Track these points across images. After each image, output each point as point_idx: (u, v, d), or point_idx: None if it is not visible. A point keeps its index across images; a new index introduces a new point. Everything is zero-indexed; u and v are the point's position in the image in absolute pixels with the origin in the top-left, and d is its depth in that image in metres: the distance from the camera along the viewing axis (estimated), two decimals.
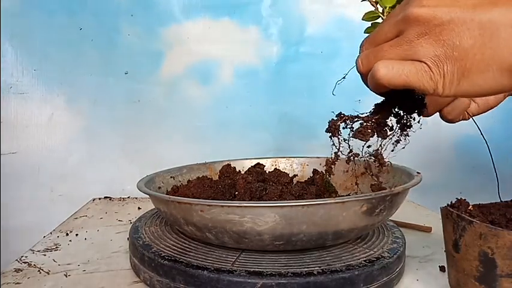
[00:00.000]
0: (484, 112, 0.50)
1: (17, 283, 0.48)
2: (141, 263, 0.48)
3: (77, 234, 0.66)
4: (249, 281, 0.40)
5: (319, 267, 0.42)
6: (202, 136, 0.97)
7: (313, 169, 0.63)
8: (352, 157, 0.41)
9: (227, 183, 0.59)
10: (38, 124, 0.90)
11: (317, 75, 0.96)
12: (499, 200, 0.45)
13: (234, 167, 0.67)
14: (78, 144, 0.92)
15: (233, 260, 0.44)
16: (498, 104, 0.49)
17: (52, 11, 0.88)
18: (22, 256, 0.56)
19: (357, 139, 0.39)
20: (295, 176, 0.66)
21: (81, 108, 0.92)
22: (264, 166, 0.68)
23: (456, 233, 0.40)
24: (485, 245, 0.37)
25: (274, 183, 0.58)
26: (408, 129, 0.39)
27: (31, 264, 0.53)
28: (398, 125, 0.39)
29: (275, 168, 0.66)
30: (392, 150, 0.39)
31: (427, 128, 0.42)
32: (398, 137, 0.39)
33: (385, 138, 0.39)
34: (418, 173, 0.52)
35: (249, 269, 0.41)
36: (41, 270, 0.51)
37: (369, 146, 0.40)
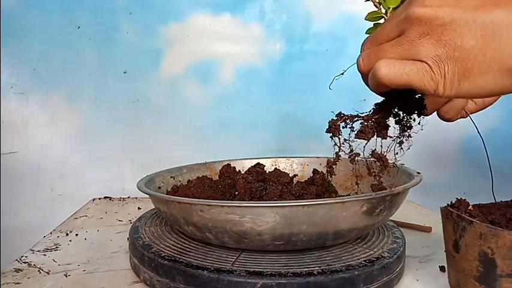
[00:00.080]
0: (482, 110, 0.49)
1: (17, 283, 0.48)
2: (141, 263, 0.48)
3: (77, 234, 0.66)
4: (249, 281, 0.40)
5: (319, 267, 0.42)
6: (202, 136, 0.96)
7: (313, 169, 0.63)
8: (353, 156, 0.41)
9: (227, 183, 0.59)
10: (38, 124, 0.90)
11: (322, 74, 0.92)
12: (501, 201, 0.45)
13: (234, 167, 0.67)
14: (78, 143, 0.92)
15: (233, 260, 0.44)
16: (495, 102, 0.49)
17: (50, 10, 0.88)
18: (22, 256, 0.56)
19: (359, 139, 0.39)
20: (295, 176, 0.66)
21: (81, 107, 0.92)
22: (264, 166, 0.68)
23: (456, 233, 0.40)
24: (485, 245, 0.37)
25: (274, 183, 0.58)
26: (409, 130, 0.39)
27: (31, 264, 0.53)
28: (399, 126, 0.39)
29: (275, 168, 0.65)
30: (396, 153, 0.39)
31: (430, 127, 0.41)
32: (399, 137, 0.39)
33: (385, 138, 0.39)
34: (418, 173, 0.52)
35: (249, 269, 0.41)
36: (41, 270, 0.51)
37: (374, 150, 0.40)
